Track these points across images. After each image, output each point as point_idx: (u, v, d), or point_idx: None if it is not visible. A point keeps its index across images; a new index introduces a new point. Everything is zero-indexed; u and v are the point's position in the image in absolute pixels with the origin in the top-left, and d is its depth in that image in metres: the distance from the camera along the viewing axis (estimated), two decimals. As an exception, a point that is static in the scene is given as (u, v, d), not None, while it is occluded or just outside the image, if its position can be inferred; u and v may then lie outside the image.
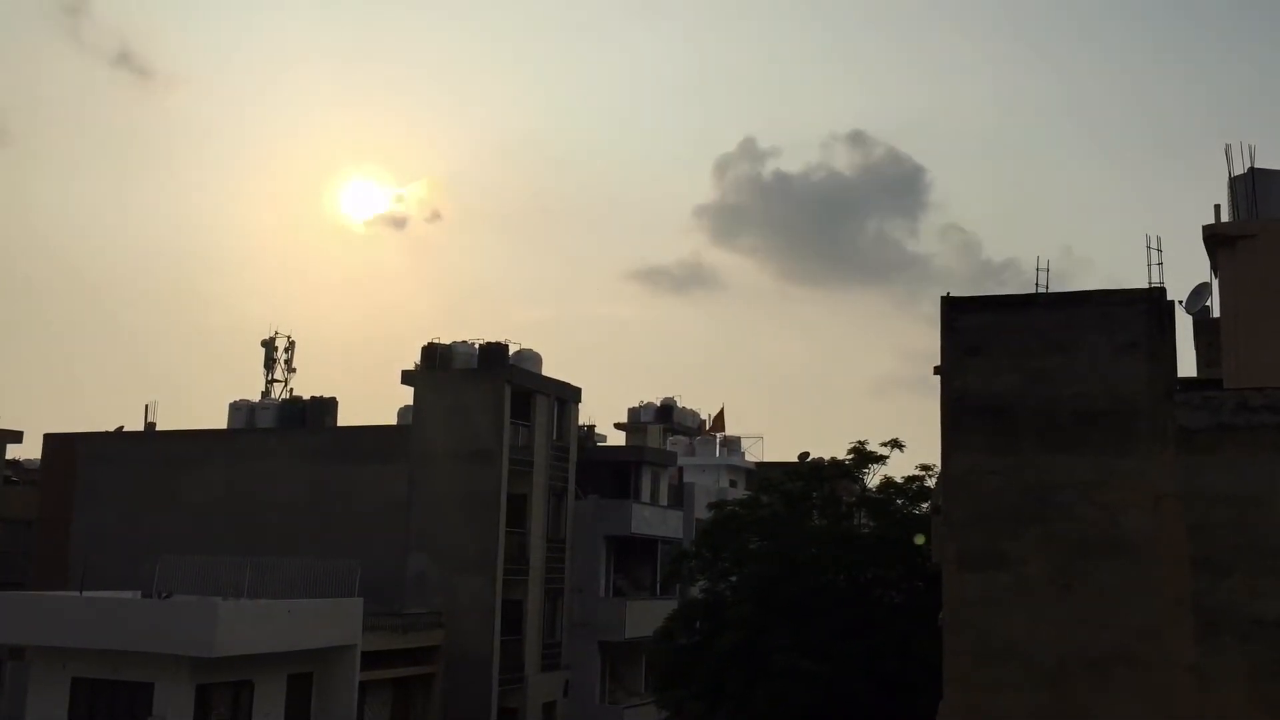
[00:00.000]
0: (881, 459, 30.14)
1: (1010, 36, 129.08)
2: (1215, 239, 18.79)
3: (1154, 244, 17.67)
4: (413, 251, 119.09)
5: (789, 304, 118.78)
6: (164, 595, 29.12)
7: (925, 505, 27.77)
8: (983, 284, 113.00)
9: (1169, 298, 16.39)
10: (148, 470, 41.49)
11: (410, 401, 39.60)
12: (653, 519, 43.02)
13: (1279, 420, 15.27)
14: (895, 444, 29.86)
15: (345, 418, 42.18)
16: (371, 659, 32.15)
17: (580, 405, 43.02)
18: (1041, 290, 17.55)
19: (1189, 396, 15.81)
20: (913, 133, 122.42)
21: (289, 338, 46.27)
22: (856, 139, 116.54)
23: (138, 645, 27.47)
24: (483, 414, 37.94)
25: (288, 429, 41.66)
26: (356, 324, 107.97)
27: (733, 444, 59.06)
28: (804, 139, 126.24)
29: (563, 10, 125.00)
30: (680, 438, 55.68)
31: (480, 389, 38.36)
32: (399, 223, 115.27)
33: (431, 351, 39.80)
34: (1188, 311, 21.03)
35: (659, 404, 56.43)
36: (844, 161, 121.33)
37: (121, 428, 46.15)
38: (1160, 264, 17.56)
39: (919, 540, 26.77)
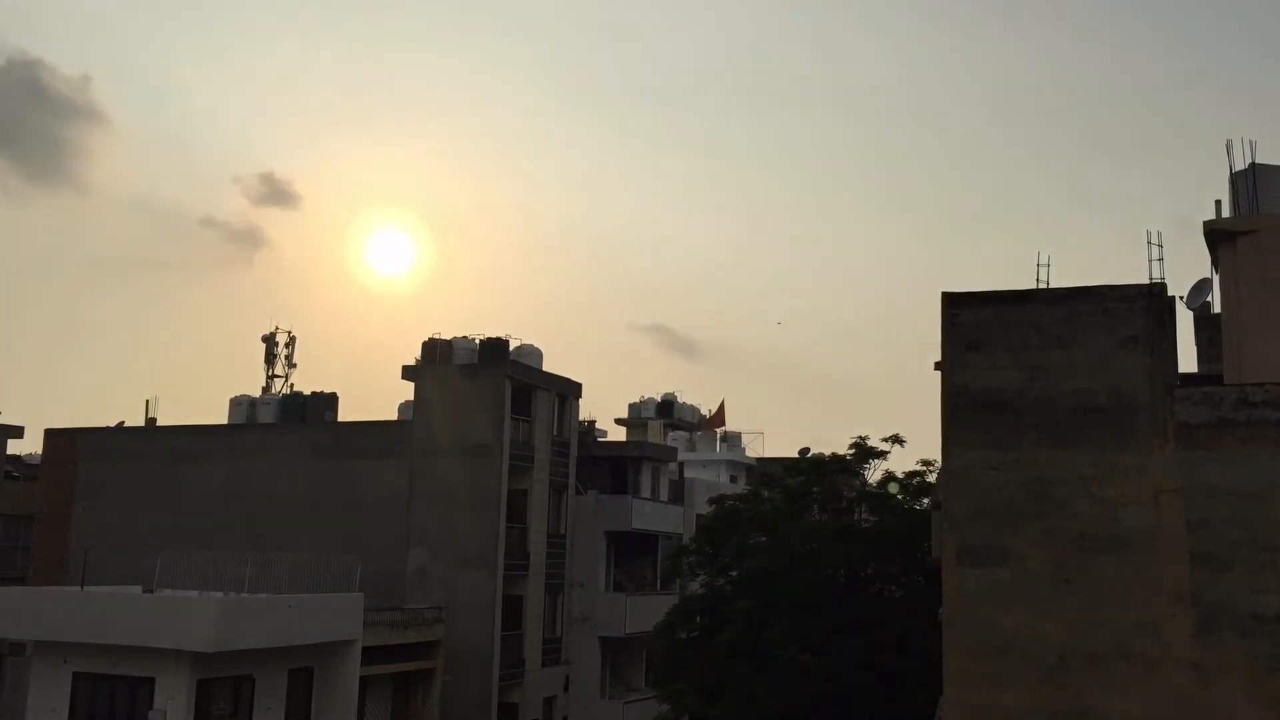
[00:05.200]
0: (882, 454, 30.20)
1: (1008, 30, 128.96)
2: (1216, 234, 18.75)
3: (1154, 239, 17.68)
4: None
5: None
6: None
7: (925, 500, 27.79)
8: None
9: (1169, 293, 16.38)
10: (148, 465, 41.55)
11: (411, 396, 39.60)
12: (653, 514, 43.01)
13: (1279, 416, 15.26)
14: (896, 439, 29.96)
15: (346, 413, 42.25)
16: (372, 654, 32.16)
17: (581, 400, 43.03)
18: (1042, 286, 17.50)
19: (1189, 392, 15.79)
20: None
21: (290, 333, 46.33)
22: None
23: (138, 640, 27.45)
24: (483, 409, 37.92)
25: (288, 424, 41.69)
26: (357, 318, 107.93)
27: (733, 439, 59.03)
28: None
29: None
30: (680, 433, 55.65)
31: (481, 384, 38.34)
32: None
33: (432, 347, 39.79)
34: (1188, 307, 20.97)
35: (659, 399, 56.39)
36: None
37: (122, 423, 46.17)
38: (1161, 259, 17.57)
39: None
